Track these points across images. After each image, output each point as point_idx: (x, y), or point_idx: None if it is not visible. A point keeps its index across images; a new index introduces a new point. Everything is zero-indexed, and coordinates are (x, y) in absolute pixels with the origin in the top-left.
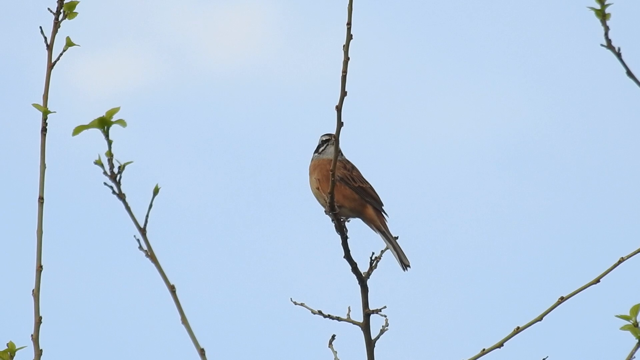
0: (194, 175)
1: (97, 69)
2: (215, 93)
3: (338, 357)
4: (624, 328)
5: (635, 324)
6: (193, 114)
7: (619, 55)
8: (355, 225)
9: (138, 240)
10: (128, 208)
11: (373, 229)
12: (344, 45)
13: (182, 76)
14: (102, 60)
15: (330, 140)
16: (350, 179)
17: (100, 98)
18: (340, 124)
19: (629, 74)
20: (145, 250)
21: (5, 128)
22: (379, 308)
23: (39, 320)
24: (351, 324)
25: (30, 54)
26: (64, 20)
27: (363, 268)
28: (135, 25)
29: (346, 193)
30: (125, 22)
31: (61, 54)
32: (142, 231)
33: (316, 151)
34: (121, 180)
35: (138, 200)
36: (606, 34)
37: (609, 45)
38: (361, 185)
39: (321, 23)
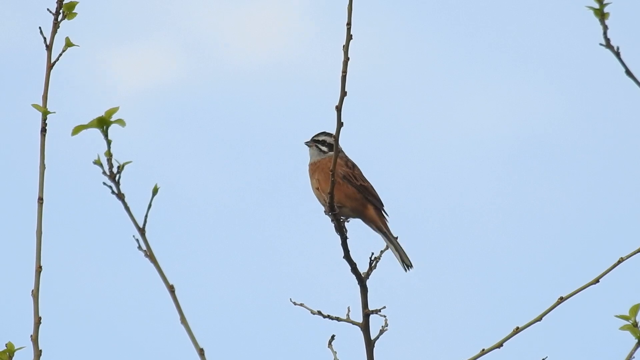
0: (197, 175)
1: (125, 64)
2: (240, 88)
3: (337, 357)
4: (623, 328)
5: (635, 324)
6: (210, 111)
7: (617, 54)
8: (355, 226)
9: (137, 240)
10: (127, 208)
11: (373, 229)
12: (343, 46)
13: (206, 71)
14: (128, 55)
15: (310, 145)
16: (353, 177)
17: (128, 94)
18: (340, 124)
19: (628, 73)
20: (145, 250)
21: (5, 128)
22: (378, 308)
23: (38, 321)
24: (351, 324)
25: (30, 54)
26: (71, 19)
27: (362, 268)
28: (159, 20)
29: (348, 192)
30: (151, 16)
31: (60, 54)
32: (141, 231)
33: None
34: (120, 180)
35: (146, 199)
36: (605, 33)
37: (608, 44)
38: (363, 183)
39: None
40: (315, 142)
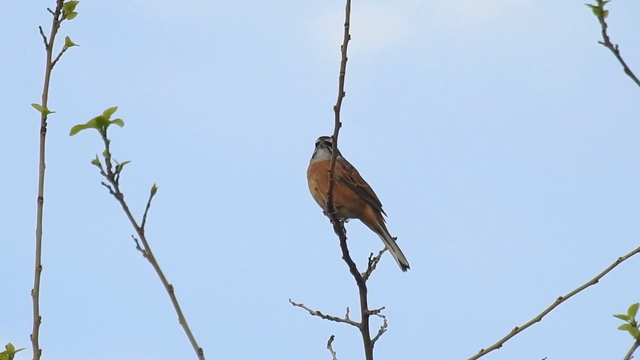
0: (197, 175)
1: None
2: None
3: (337, 358)
4: (622, 328)
5: (633, 324)
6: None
7: (616, 52)
8: (354, 226)
9: (136, 240)
10: (126, 208)
11: (372, 230)
12: (341, 46)
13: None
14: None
15: (320, 144)
16: (350, 179)
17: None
18: (338, 125)
19: (627, 71)
20: (143, 250)
21: (5, 128)
22: (377, 309)
23: (38, 320)
24: (350, 324)
25: (31, 53)
26: (71, 19)
27: (362, 269)
28: None
29: (346, 193)
30: None
31: (60, 54)
32: (140, 231)
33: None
34: (119, 180)
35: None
36: (604, 31)
37: (607, 42)
38: (360, 185)
39: None
40: (326, 144)
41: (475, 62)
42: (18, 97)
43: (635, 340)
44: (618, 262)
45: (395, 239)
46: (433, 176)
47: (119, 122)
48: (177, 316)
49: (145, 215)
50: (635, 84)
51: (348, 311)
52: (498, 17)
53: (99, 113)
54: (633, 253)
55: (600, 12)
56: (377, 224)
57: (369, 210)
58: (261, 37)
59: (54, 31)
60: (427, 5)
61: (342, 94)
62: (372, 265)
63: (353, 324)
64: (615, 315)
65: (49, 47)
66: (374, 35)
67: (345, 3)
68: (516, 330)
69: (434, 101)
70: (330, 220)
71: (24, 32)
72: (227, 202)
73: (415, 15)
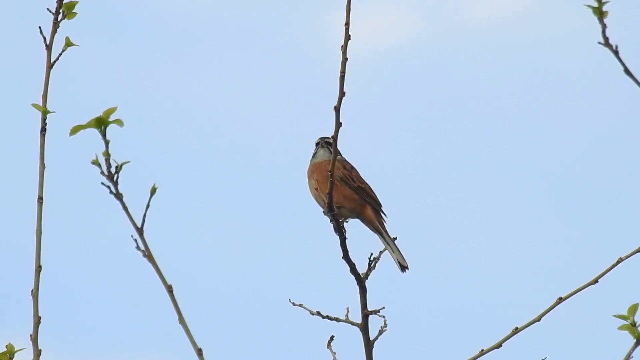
0: (196, 175)
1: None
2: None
3: (337, 358)
4: (621, 328)
5: (633, 324)
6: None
7: (616, 52)
8: (354, 226)
9: (135, 240)
10: (125, 208)
11: (371, 230)
12: (342, 46)
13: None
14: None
15: (320, 144)
16: (350, 179)
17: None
18: (338, 125)
19: (627, 71)
20: (143, 250)
21: (5, 128)
22: (377, 309)
23: (37, 320)
24: (350, 324)
25: (31, 54)
26: (70, 19)
27: (362, 269)
28: None
29: (346, 193)
30: None
31: (60, 54)
32: (140, 231)
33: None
34: (118, 180)
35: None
36: (603, 32)
37: (607, 43)
38: (360, 185)
39: None
40: (327, 144)
41: (475, 63)
42: (18, 97)
43: (635, 340)
44: (618, 262)
45: (395, 239)
46: (433, 176)
47: (118, 122)
48: (176, 316)
49: (144, 215)
50: (635, 84)
51: (348, 311)
52: (497, 18)
53: (99, 113)
54: (633, 253)
55: (600, 13)
56: (377, 224)
57: (369, 211)
58: (261, 37)
59: (54, 31)
60: (429, 6)
61: (342, 94)
62: (372, 266)
63: (353, 324)
64: (615, 315)
65: (48, 47)
66: (376, 35)
67: (346, 3)
68: (516, 330)
69: (433, 101)
70: (330, 220)
71: (24, 32)
72: (227, 202)
73: (417, 15)
